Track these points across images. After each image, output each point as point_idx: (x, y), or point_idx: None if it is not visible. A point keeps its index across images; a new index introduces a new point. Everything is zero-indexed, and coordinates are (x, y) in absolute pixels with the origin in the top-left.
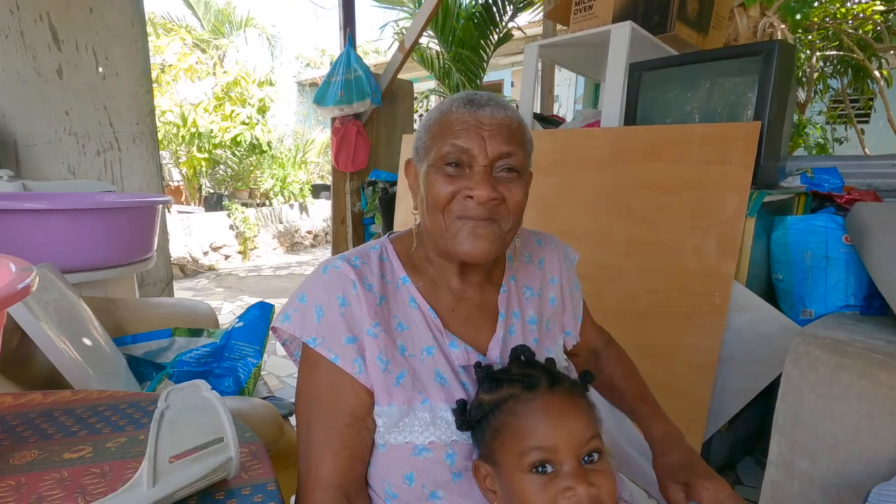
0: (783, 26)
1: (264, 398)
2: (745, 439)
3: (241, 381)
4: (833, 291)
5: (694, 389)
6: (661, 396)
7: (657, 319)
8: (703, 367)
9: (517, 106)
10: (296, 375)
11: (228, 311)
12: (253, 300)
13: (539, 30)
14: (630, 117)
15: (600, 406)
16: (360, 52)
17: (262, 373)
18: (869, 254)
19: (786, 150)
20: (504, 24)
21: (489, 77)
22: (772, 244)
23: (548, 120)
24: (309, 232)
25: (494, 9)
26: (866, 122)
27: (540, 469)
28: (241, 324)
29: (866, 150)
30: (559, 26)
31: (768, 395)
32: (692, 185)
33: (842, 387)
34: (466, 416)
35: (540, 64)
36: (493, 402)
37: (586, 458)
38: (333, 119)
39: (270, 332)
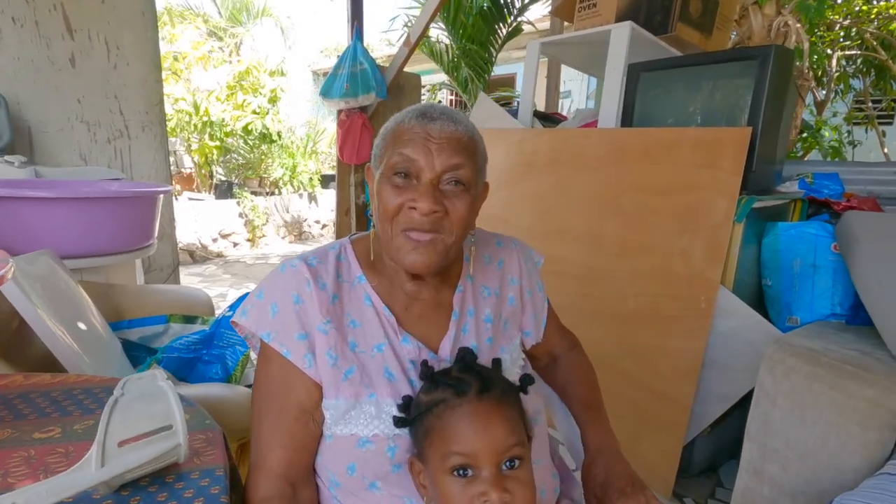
0: (798, 25)
1: (250, 386)
2: (729, 443)
3: (229, 368)
4: (819, 299)
5: (677, 393)
6: (645, 398)
7: (644, 322)
8: (687, 370)
9: (518, 103)
10: None
11: (234, 298)
12: None
13: (549, 24)
14: (627, 118)
15: (562, 406)
16: (371, 45)
17: (251, 361)
18: (854, 263)
19: (782, 154)
20: (513, 18)
21: (501, 71)
22: (763, 250)
23: (549, 118)
24: (317, 221)
25: (503, 3)
26: (889, 123)
27: (461, 472)
28: (231, 313)
29: (886, 151)
30: (566, 23)
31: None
32: (683, 188)
33: (813, 396)
34: (408, 413)
35: (545, 61)
36: (427, 404)
37: (507, 465)
38: (339, 111)
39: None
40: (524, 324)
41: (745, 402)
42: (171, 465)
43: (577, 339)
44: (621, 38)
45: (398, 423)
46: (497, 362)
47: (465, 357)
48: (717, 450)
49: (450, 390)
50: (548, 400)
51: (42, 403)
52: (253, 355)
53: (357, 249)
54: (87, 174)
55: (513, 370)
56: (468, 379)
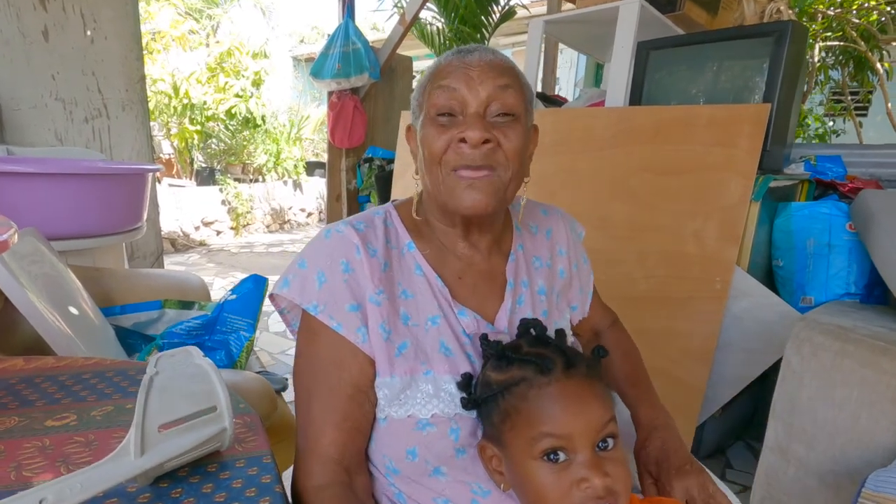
0: (790, 12)
1: (257, 373)
2: (738, 424)
3: (234, 354)
4: (834, 279)
5: (690, 375)
6: (657, 382)
7: (655, 305)
8: (700, 353)
9: None
10: (289, 352)
11: (220, 287)
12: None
13: (543, 9)
14: (635, 97)
15: None
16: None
17: (254, 348)
18: (873, 241)
19: (792, 136)
20: (506, 0)
21: None
22: (774, 230)
23: (550, 100)
24: (302, 209)
25: None
26: (864, 115)
27: (552, 457)
28: (234, 297)
29: (863, 143)
30: (564, 4)
31: (762, 381)
32: (696, 168)
33: (843, 373)
34: (472, 393)
35: (544, 41)
36: (503, 383)
37: (601, 445)
38: (330, 93)
39: (267, 303)
40: (571, 298)
41: (753, 383)
42: (212, 453)
43: (616, 314)
44: (630, 16)
45: (467, 405)
46: (561, 333)
47: (534, 329)
48: (725, 431)
49: (530, 368)
50: None
51: (50, 388)
52: (265, 356)
53: (402, 215)
54: (65, 155)
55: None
56: (549, 354)
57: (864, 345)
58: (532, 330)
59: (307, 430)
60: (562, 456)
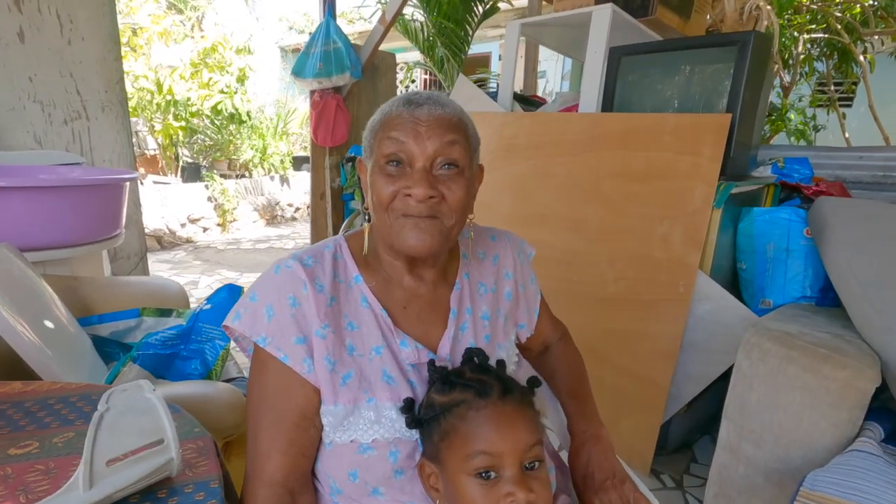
0: (769, 8)
1: (232, 379)
2: (703, 420)
3: (209, 363)
4: (791, 283)
5: (656, 374)
6: (624, 380)
7: (624, 306)
8: (665, 353)
9: (497, 84)
10: None
11: (206, 286)
12: (232, 274)
13: (526, 2)
14: (608, 102)
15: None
16: (344, 20)
17: (230, 355)
18: (826, 248)
19: (758, 139)
20: None
21: (477, 50)
22: (738, 234)
23: (528, 101)
24: (290, 204)
25: None
26: (849, 106)
27: (484, 474)
28: (208, 306)
29: (846, 135)
30: (545, 2)
31: (726, 379)
32: (663, 174)
33: (788, 378)
34: (415, 414)
35: (523, 42)
36: (445, 405)
37: (528, 465)
38: (313, 92)
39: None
40: (518, 318)
41: (717, 381)
42: (162, 479)
43: (566, 327)
44: (602, 21)
45: (411, 423)
46: (501, 363)
47: (477, 357)
48: (691, 427)
49: (470, 391)
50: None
51: (15, 415)
52: (243, 357)
53: (352, 247)
54: (44, 158)
55: (509, 368)
56: (489, 380)
57: (807, 351)
58: (475, 358)
59: (255, 455)
60: (492, 474)
